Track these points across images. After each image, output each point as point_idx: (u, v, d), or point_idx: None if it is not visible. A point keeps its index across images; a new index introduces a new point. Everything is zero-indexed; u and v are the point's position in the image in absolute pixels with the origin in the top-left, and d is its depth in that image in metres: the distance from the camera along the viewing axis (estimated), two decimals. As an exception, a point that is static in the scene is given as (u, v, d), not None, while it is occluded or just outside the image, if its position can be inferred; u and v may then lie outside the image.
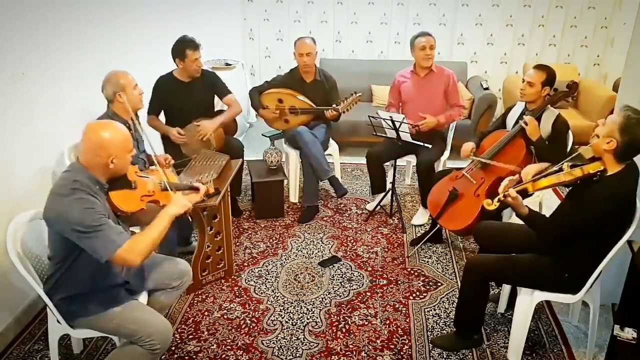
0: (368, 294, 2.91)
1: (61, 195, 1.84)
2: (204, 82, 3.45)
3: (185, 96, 3.38)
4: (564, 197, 2.42)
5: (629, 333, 2.17)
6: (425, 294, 2.92)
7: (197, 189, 2.34)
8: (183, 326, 2.65)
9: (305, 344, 2.53)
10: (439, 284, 3.01)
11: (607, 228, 2.08)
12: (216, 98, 3.60)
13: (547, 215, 2.24)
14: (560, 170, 2.13)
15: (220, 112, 3.53)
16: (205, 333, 2.60)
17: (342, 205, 3.93)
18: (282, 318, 2.71)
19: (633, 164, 2.04)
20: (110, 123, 1.99)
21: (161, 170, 2.18)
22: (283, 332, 2.61)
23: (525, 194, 2.22)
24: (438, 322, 2.70)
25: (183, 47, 3.26)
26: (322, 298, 2.87)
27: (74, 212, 1.81)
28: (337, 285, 2.99)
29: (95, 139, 1.91)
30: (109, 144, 1.90)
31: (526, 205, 2.19)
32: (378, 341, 2.56)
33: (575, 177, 2.08)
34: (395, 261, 3.23)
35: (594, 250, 2.15)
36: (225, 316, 2.72)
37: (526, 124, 2.82)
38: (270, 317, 2.72)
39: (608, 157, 2.03)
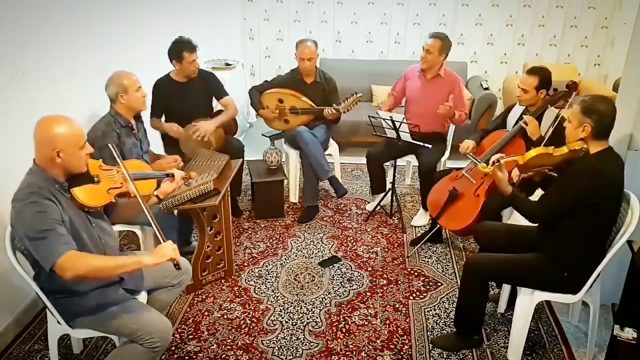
0: (368, 294, 2.91)
1: (17, 200, 1.83)
2: (201, 83, 3.45)
3: (183, 97, 3.37)
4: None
5: (629, 333, 2.17)
6: (425, 294, 2.92)
7: (171, 176, 2.31)
8: (183, 326, 2.65)
9: (305, 344, 2.53)
10: (439, 284, 3.01)
11: (593, 208, 2.09)
12: (214, 100, 3.60)
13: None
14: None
15: (220, 112, 3.53)
16: (205, 333, 2.60)
17: (342, 205, 3.92)
18: (282, 318, 2.71)
19: (614, 152, 2.13)
20: (62, 118, 1.90)
21: (120, 162, 2.09)
22: (283, 332, 2.61)
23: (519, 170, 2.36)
24: (438, 322, 2.70)
25: (180, 49, 3.25)
26: (322, 298, 2.87)
27: (25, 217, 1.79)
28: (337, 285, 2.99)
29: (42, 132, 1.86)
30: (55, 138, 1.84)
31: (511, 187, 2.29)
32: (378, 341, 2.56)
33: (562, 153, 2.17)
34: (395, 261, 3.23)
35: (592, 248, 2.17)
36: (225, 316, 2.72)
37: (526, 124, 2.82)
38: (270, 317, 2.72)
39: (588, 141, 2.12)
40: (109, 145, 2.13)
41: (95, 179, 2.01)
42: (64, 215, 1.87)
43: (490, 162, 2.31)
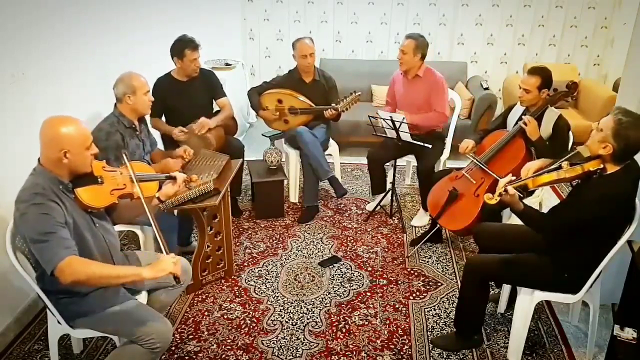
0: (368, 294, 2.91)
1: (21, 200, 1.82)
2: (202, 81, 3.45)
3: (183, 95, 3.37)
4: (564, 197, 2.42)
5: (629, 333, 2.17)
6: (425, 294, 2.92)
7: (173, 178, 2.31)
8: (183, 326, 2.65)
9: (305, 344, 2.53)
10: (439, 284, 3.01)
11: (604, 228, 2.08)
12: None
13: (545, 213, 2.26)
14: (560, 167, 2.15)
15: (217, 112, 3.53)
16: (205, 333, 2.60)
17: (342, 205, 3.92)
18: (282, 318, 2.71)
19: (633, 164, 2.05)
20: (68, 118, 1.91)
21: (127, 163, 2.12)
22: (283, 332, 2.61)
23: (525, 190, 2.23)
24: (438, 322, 2.70)
25: (182, 47, 3.25)
26: (322, 298, 2.87)
27: (29, 218, 1.79)
28: (337, 285, 2.99)
29: (49, 132, 1.86)
30: (63, 138, 1.84)
31: (522, 202, 2.20)
32: (378, 341, 2.56)
33: (575, 174, 2.09)
34: (395, 261, 3.23)
35: (593, 249, 2.16)
36: (225, 316, 2.72)
37: (526, 124, 2.82)
38: (270, 317, 2.72)
39: (606, 160, 2.04)
40: (122, 151, 2.16)
41: (99, 179, 2.01)
42: (67, 216, 1.86)
43: (497, 192, 2.16)
